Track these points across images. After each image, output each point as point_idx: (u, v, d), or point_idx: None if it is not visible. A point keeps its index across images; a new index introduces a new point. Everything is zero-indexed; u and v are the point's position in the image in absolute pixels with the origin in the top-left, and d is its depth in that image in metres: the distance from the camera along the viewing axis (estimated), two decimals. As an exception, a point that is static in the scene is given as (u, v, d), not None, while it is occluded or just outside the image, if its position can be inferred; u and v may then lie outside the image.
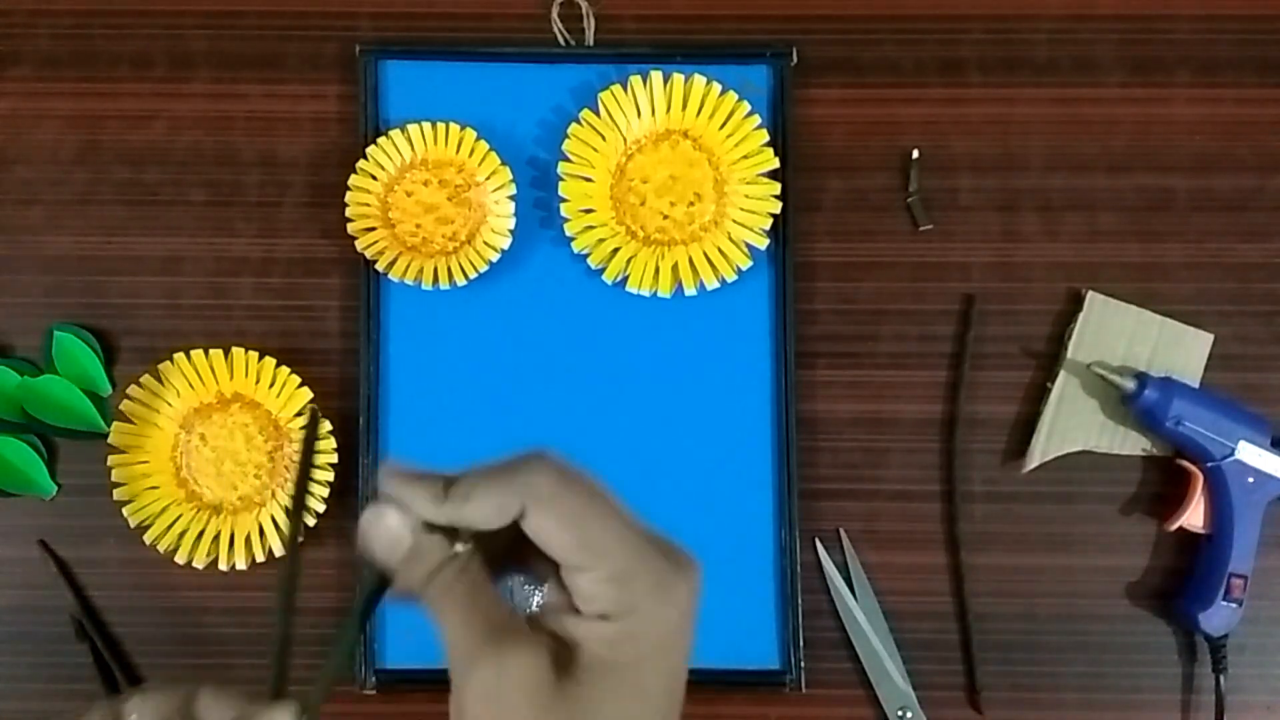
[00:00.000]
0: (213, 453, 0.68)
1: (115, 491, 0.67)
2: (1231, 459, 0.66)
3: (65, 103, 0.72)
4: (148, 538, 0.66)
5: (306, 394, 0.68)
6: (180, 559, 0.66)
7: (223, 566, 0.67)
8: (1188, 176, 0.72)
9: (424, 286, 0.68)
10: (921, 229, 0.72)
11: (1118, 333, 0.70)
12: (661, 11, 0.73)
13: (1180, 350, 0.70)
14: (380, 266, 0.68)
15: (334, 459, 0.68)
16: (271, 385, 0.68)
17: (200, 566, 0.66)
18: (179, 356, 0.68)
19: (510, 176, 0.69)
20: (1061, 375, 0.69)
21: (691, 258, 0.69)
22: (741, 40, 0.73)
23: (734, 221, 0.70)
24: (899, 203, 0.72)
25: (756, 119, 0.70)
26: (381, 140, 0.70)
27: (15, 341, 0.71)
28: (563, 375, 0.69)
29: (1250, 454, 0.66)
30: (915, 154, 0.72)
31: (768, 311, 0.71)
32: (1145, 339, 0.70)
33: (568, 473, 0.37)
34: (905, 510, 0.70)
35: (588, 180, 0.70)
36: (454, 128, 0.70)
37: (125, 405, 0.67)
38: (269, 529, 0.67)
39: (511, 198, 0.69)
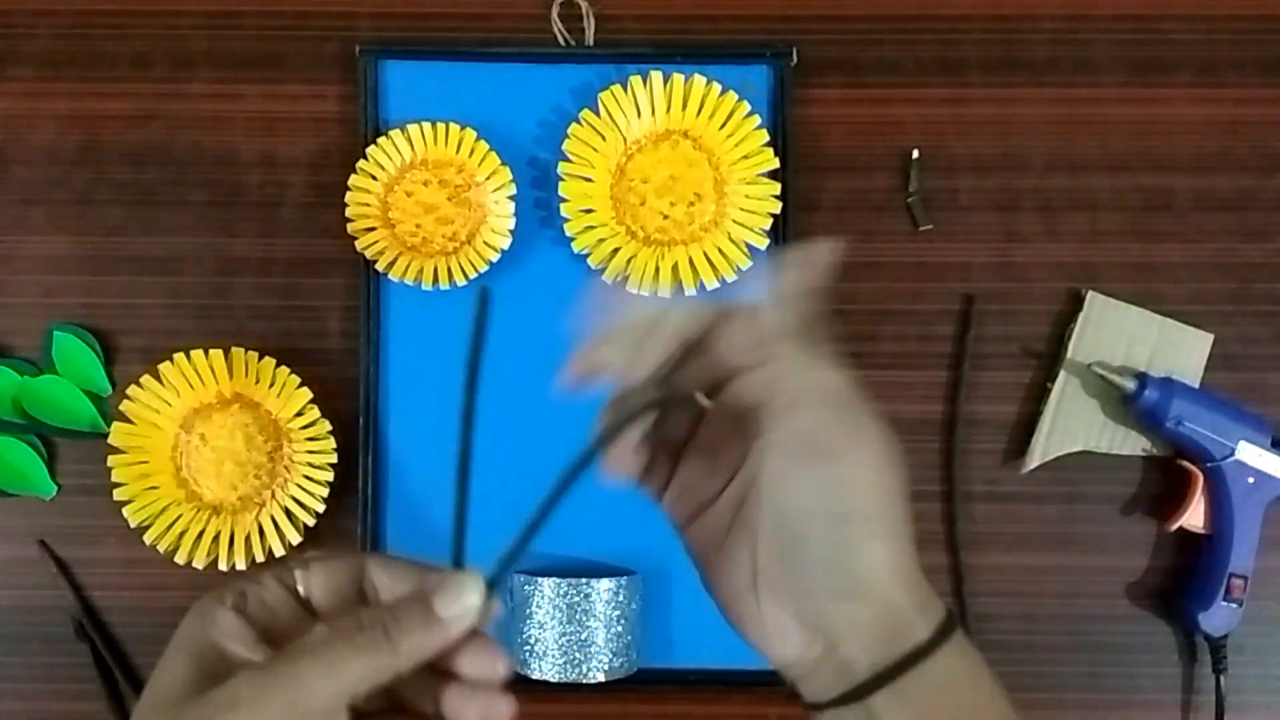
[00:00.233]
0: (213, 453, 0.68)
1: (115, 491, 0.67)
2: (1231, 459, 0.66)
3: (65, 103, 0.72)
4: (148, 538, 0.66)
5: (306, 394, 0.68)
6: (180, 559, 0.66)
7: (223, 566, 0.67)
8: (1188, 176, 0.72)
9: (424, 286, 0.68)
10: (921, 229, 0.72)
11: (1118, 333, 0.70)
12: (661, 11, 0.73)
13: (1180, 350, 0.70)
14: (380, 266, 0.68)
15: (334, 459, 0.68)
16: (271, 385, 0.68)
17: (200, 566, 0.66)
18: (179, 356, 0.68)
19: (510, 176, 0.69)
20: (1061, 375, 0.69)
21: (691, 258, 0.69)
22: (741, 40, 0.73)
23: (734, 221, 0.70)
24: (899, 203, 0.72)
25: (756, 119, 0.70)
26: (381, 140, 0.70)
27: (15, 341, 0.71)
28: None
29: (1250, 454, 0.66)
30: (915, 154, 0.72)
31: (768, 311, 0.70)
32: (1145, 339, 0.70)
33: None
34: (905, 510, 0.70)
35: (588, 180, 0.70)
36: (454, 128, 0.70)
37: (125, 405, 0.67)
38: (269, 529, 0.67)
39: (511, 198, 0.69)
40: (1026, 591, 0.70)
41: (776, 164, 0.70)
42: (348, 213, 0.69)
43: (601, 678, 0.65)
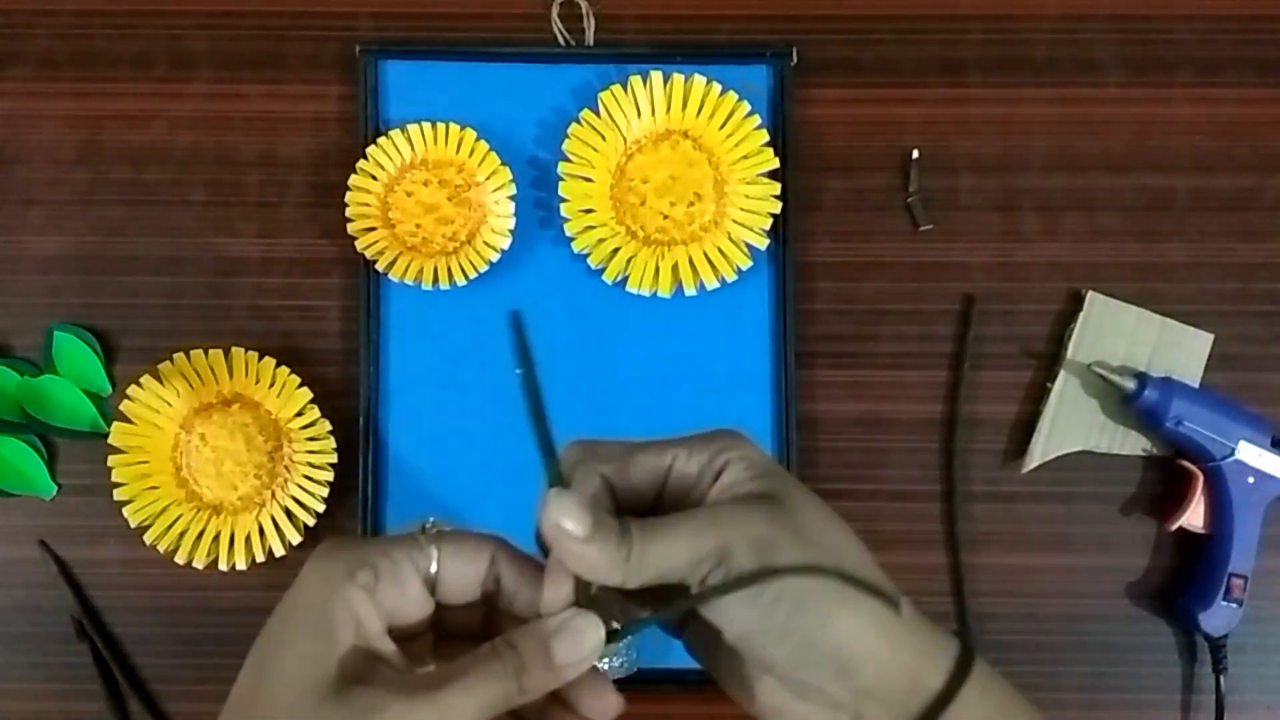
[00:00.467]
0: (213, 453, 0.68)
1: (115, 491, 0.67)
2: (1231, 459, 0.66)
3: (65, 103, 0.72)
4: (148, 538, 0.66)
5: (306, 394, 0.68)
6: (180, 559, 0.66)
7: (223, 566, 0.67)
8: (1188, 176, 0.72)
9: (424, 286, 0.68)
10: (921, 229, 0.72)
11: (1118, 333, 0.70)
12: (661, 11, 0.73)
13: (1180, 350, 0.70)
14: (380, 266, 0.68)
15: (334, 459, 0.68)
16: (271, 385, 0.68)
17: (200, 566, 0.66)
18: (179, 356, 0.68)
19: (510, 176, 0.69)
20: (1061, 375, 0.69)
21: (691, 258, 0.69)
22: (741, 40, 0.73)
23: (734, 221, 0.70)
24: (899, 203, 0.72)
25: (756, 119, 0.70)
26: (381, 140, 0.70)
27: (15, 341, 0.71)
28: (563, 375, 0.69)
29: (1250, 454, 0.66)
30: (915, 154, 0.72)
31: (768, 311, 0.71)
32: (1145, 339, 0.70)
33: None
34: (905, 510, 0.70)
35: (588, 180, 0.70)
36: (454, 128, 0.70)
37: (125, 405, 0.67)
38: (269, 529, 0.67)
39: (511, 198, 0.69)
40: (1026, 591, 0.70)
41: (776, 164, 0.70)
42: (348, 213, 0.69)
43: (601, 678, 0.65)
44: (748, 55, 0.72)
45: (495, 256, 0.69)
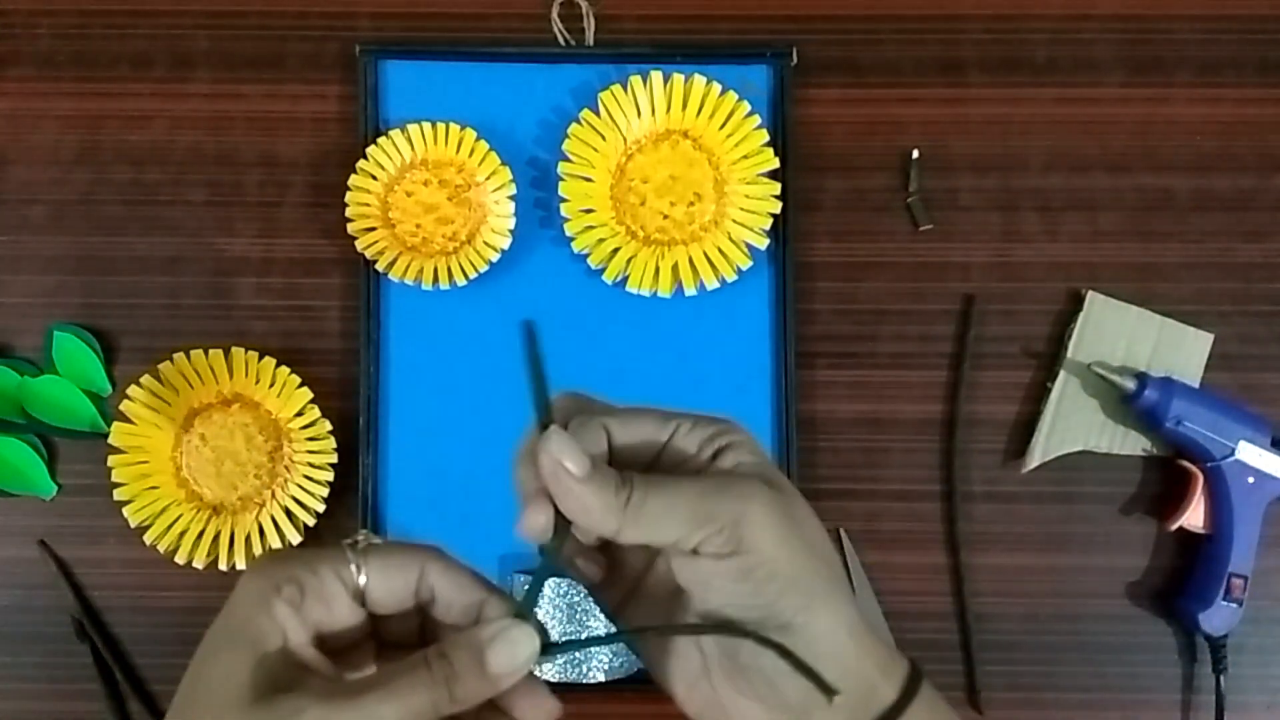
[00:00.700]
0: (213, 453, 0.68)
1: (115, 491, 0.67)
2: (1231, 459, 0.66)
3: (65, 103, 0.72)
4: (148, 538, 0.66)
5: (306, 394, 0.68)
6: (180, 559, 0.66)
7: (223, 566, 0.67)
8: (1188, 176, 0.72)
9: (424, 286, 0.68)
10: (921, 229, 0.72)
11: (1118, 333, 0.70)
12: (661, 11, 0.73)
13: (1180, 350, 0.70)
14: (380, 266, 0.68)
15: (334, 459, 0.68)
16: (271, 385, 0.68)
17: (200, 566, 0.66)
18: (179, 356, 0.68)
19: (510, 176, 0.69)
20: (1061, 375, 0.69)
21: (691, 258, 0.69)
22: (741, 40, 0.73)
23: (734, 221, 0.70)
24: (899, 203, 0.72)
25: (756, 119, 0.70)
26: (381, 140, 0.70)
27: (15, 341, 0.71)
28: (563, 376, 0.69)
29: (1250, 454, 0.66)
30: (915, 154, 0.72)
31: (768, 311, 0.71)
32: (1145, 339, 0.70)
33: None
34: (905, 510, 0.70)
35: (588, 180, 0.70)
36: (454, 128, 0.70)
37: (125, 405, 0.67)
38: (269, 529, 0.67)
39: (511, 198, 0.69)
40: (1026, 591, 0.70)
41: (776, 164, 0.70)
42: (348, 213, 0.69)
43: (601, 678, 0.65)
44: (748, 55, 0.72)
45: (495, 256, 0.69)
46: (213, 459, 0.67)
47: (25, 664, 0.69)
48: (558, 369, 0.73)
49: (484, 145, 0.70)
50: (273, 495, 0.68)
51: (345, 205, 0.69)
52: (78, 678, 0.68)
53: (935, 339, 0.71)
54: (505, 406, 0.69)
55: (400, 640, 0.37)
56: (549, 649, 0.35)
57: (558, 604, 0.65)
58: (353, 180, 0.69)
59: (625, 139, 0.70)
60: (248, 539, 0.67)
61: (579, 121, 0.70)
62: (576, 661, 0.65)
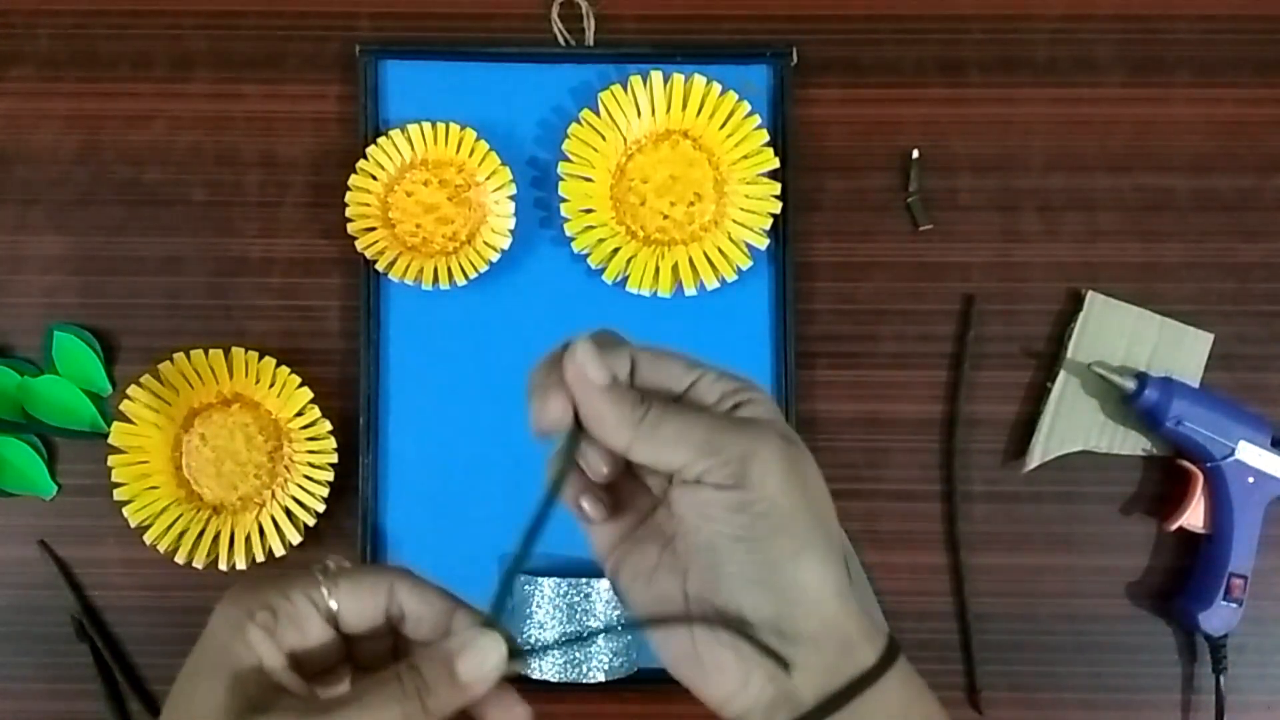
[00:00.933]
0: (213, 453, 0.68)
1: (115, 491, 0.67)
2: (1231, 459, 0.66)
3: (65, 103, 0.72)
4: (148, 538, 0.66)
5: (306, 394, 0.68)
6: (180, 559, 0.66)
7: (223, 566, 0.67)
8: (1188, 176, 0.72)
9: (424, 286, 0.68)
10: (921, 229, 0.72)
11: (1118, 333, 0.70)
12: (661, 11, 0.73)
13: (1180, 350, 0.70)
14: (380, 266, 0.68)
15: (334, 459, 0.68)
16: (271, 385, 0.68)
17: (200, 566, 0.66)
18: (179, 356, 0.68)
19: (510, 176, 0.69)
20: (1061, 375, 0.69)
21: (691, 258, 0.69)
22: (741, 40, 0.73)
23: (734, 221, 0.70)
24: (899, 203, 0.72)
25: (756, 119, 0.70)
26: (381, 140, 0.70)
27: (15, 341, 0.71)
28: (563, 375, 0.69)
29: (1250, 454, 0.66)
30: (915, 154, 0.72)
31: (768, 311, 0.71)
32: (1145, 339, 0.70)
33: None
34: (905, 510, 0.70)
35: (588, 180, 0.70)
36: (454, 128, 0.70)
37: (125, 405, 0.67)
38: (269, 529, 0.67)
39: (511, 198, 0.69)
40: (1026, 591, 0.70)
41: (776, 164, 0.70)
42: (348, 213, 0.69)
43: (601, 678, 0.65)
44: (748, 55, 0.72)
45: (495, 256, 0.69)
46: (213, 459, 0.68)
47: (25, 664, 0.69)
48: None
49: (484, 145, 0.70)
50: (273, 495, 0.68)
51: (345, 205, 0.69)
52: (78, 678, 0.68)
53: (935, 339, 0.71)
54: (505, 406, 0.69)
55: (374, 663, 0.38)
56: (516, 654, 0.35)
57: (558, 604, 0.65)
58: (353, 180, 0.69)
59: (625, 139, 0.70)
60: (248, 539, 0.67)
61: (579, 121, 0.70)
62: (576, 661, 0.65)
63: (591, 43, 0.72)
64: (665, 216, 0.70)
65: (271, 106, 0.73)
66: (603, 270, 0.69)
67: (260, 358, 0.68)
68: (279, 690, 0.34)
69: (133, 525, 0.66)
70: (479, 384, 0.70)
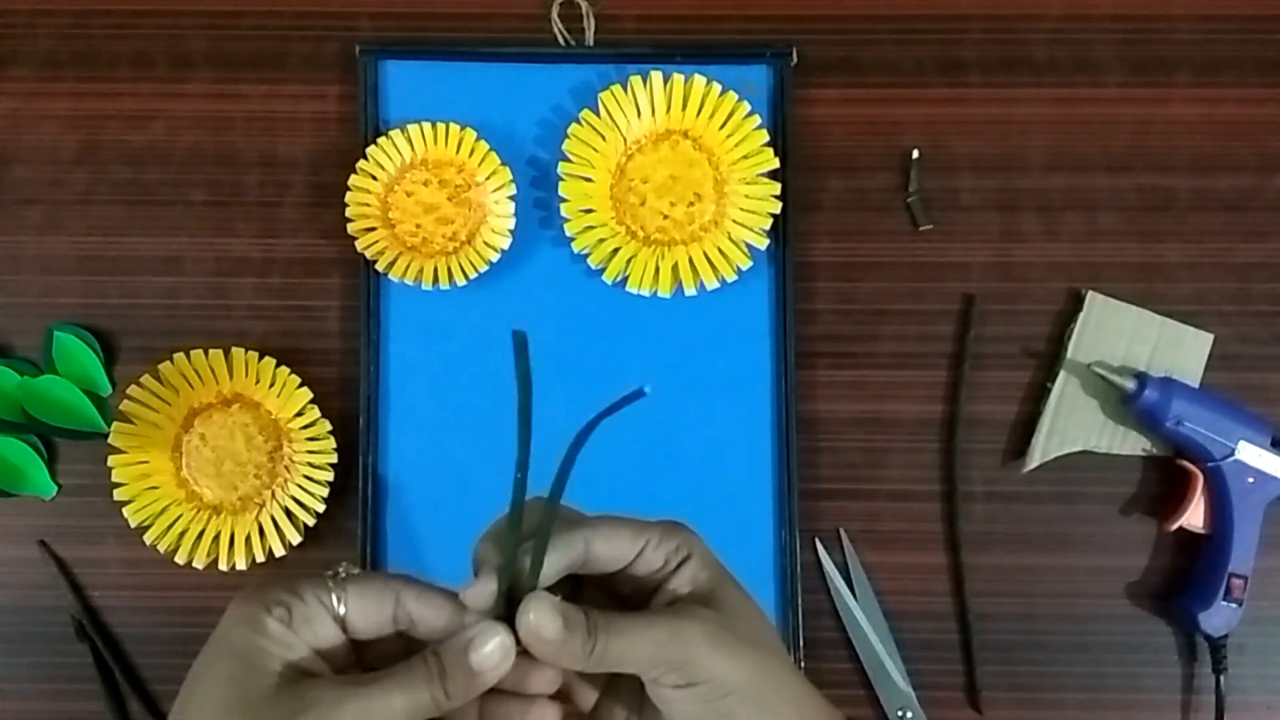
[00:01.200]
0: (213, 453, 0.68)
1: (115, 491, 0.67)
2: (1231, 459, 0.66)
3: (65, 103, 0.72)
4: (148, 538, 0.66)
5: (306, 394, 0.68)
6: (180, 559, 0.66)
7: (223, 566, 0.67)
8: (1188, 176, 0.72)
9: (424, 286, 0.68)
10: (921, 229, 0.72)
11: (1118, 333, 0.70)
12: (661, 11, 0.73)
13: (1180, 350, 0.70)
14: (380, 266, 0.68)
15: (334, 459, 0.68)
16: (271, 385, 0.68)
17: (200, 566, 0.66)
18: (179, 356, 0.68)
19: (510, 176, 0.69)
20: (1061, 375, 0.69)
21: (691, 258, 0.69)
22: (741, 40, 0.73)
23: (734, 221, 0.70)
24: (899, 203, 0.72)
25: (756, 119, 0.70)
26: (381, 140, 0.70)
27: (15, 341, 0.71)
28: (563, 376, 0.69)
29: (1250, 454, 0.66)
30: (915, 154, 0.72)
31: (768, 311, 0.71)
32: (1145, 339, 0.70)
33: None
34: (905, 510, 0.70)
35: (588, 180, 0.70)
36: (454, 128, 0.70)
37: (125, 405, 0.67)
38: (269, 529, 0.67)
39: (511, 198, 0.69)
40: (1026, 591, 0.70)
41: (776, 164, 0.70)
42: (348, 213, 0.69)
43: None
44: (748, 55, 0.72)
45: (495, 256, 0.69)
46: (213, 459, 0.68)
47: (25, 664, 0.69)
48: (559, 370, 0.73)
49: (484, 145, 0.70)
50: (273, 495, 0.68)
51: (345, 205, 0.69)
52: (78, 678, 0.68)
53: (935, 339, 0.71)
54: (505, 406, 0.69)
55: (386, 664, 0.39)
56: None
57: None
58: (353, 180, 0.69)
59: (625, 139, 0.70)
60: (248, 539, 0.67)
61: (579, 121, 0.70)
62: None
63: (591, 43, 0.72)
64: (665, 216, 0.70)
65: (271, 106, 0.73)
66: (603, 270, 0.69)
67: (260, 358, 0.68)
68: (309, 674, 0.36)
69: (133, 525, 0.66)
70: (479, 384, 0.70)
